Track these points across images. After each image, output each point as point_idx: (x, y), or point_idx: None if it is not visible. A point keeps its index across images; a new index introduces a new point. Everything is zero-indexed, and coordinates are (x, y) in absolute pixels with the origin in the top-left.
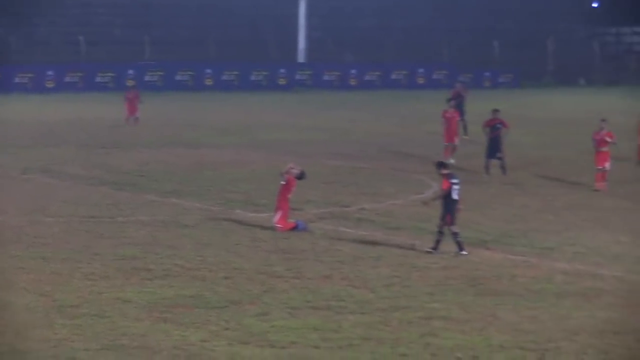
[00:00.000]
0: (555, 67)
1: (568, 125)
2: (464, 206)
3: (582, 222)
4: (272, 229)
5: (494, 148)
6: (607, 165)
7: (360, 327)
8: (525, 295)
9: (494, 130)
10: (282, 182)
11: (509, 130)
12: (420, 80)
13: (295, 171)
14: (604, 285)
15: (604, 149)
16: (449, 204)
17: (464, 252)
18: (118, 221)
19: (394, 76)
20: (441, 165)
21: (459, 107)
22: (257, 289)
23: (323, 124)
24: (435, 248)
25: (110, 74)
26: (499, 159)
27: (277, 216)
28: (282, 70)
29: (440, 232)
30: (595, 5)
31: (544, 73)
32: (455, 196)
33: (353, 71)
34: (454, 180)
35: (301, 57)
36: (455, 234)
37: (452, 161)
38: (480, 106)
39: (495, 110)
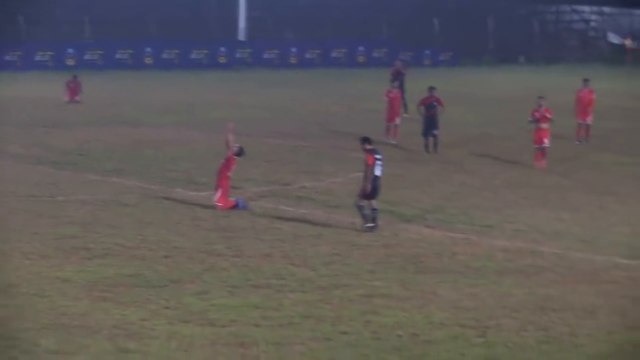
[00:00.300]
0: (496, 45)
1: (508, 103)
2: (404, 184)
3: (522, 200)
4: (213, 207)
5: (429, 126)
6: (547, 142)
7: (300, 305)
8: (466, 273)
9: (430, 109)
10: (224, 159)
11: (445, 109)
12: (361, 59)
13: (235, 148)
14: (544, 263)
15: (544, 125)
16: (370, 180)
17: (370, 225)
18: (58, 200)
19: (334, 54)
20: (365, 140)
21: (400, 86)
22: (197, 267)
23: (263, 103)
24: (373, 225)
25: (49, 53)
26: (434, 136)
27: (218, 194)
28: (223, 49)
29: (374, 209)
30: None
31: (484, 51)
32: (377, 172)
33: (293, 49)
34: (378, 156)
35: (241, 36)
36: (361, 207)
37: (393, 142)
38: (420, 84)
39: (432, 88)
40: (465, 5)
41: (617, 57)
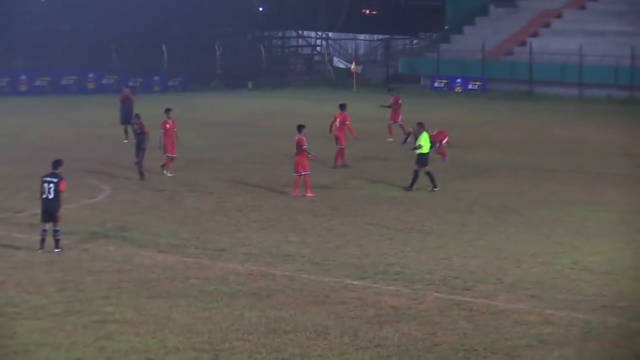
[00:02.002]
0: (224, 70)
1: (237, 127)
2: (136, 209)
3: (253, 223)
4: None
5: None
6: (306, 170)
7: (35, 333)
8: (199, 297)
9: (135, 136)
10: None
11: (149, 137)
12: (91, 85)
13: None
14: (276, 285)
15: (302, 154)
16: (42, 202)
17: (57, 250)
18: None
19: (64, 81)
20: (56, 164)
21: (128, 112)
22: None
23: None
24: (42, 246)
25: None
26: (135, 164)
27: None
28: None
29: (55, 230)
30: (261, 9)
31: (213, 77)
32: (45, 194)
33: (23, 77)
34: (48, 179)
35: None
36: (56, 232)
37: (170, 174)
38: (150, 110)
39: (136, 115)
40: (193, 31)
41: (343, 81)
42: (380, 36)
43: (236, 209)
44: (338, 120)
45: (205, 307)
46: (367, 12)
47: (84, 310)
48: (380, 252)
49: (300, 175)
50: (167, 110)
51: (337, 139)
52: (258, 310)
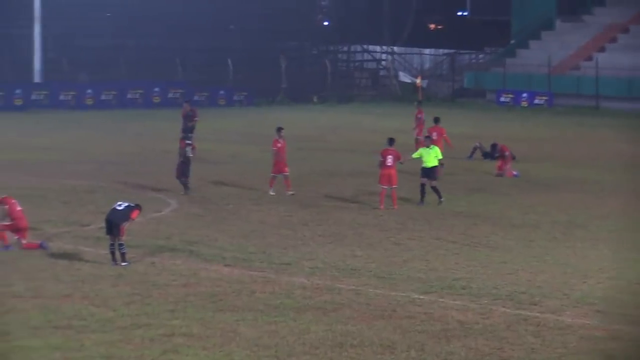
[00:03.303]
0: (289, 84)
1: (301, 142)
2: (203, 223)
3: (318, 237)
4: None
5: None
6: (395, 183)
7: (102, 346)
8: (265, 311)
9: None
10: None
11: (182, 151)
12: (156, 99)
13: None
14: (342, 299)
15: (391, 166)
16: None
17: (124, 263)
18: None
19: (129, 95)
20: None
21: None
22: None
23: (60, 144)
24: (113, 260)
25: None
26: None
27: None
28: (18, 91)
29: (112, 245)
30: (326, 23)
31: (278, 91)
32: (117, 206)
33: (89, 91)
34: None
35: (37, 77)
36: (121, 245)
37: (290, 192)
38: (214, 123)
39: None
40: (258, 45)
41: (408, 95)
42: (446, 50)
43: (302, 223)
44: (434, 134)
45: (272, 320)
46: (433, 26)
47: (151, 323)
48: (446, 267)
49: (392, 188)
50: (279, 129)
51: None
52: (324, 324)
